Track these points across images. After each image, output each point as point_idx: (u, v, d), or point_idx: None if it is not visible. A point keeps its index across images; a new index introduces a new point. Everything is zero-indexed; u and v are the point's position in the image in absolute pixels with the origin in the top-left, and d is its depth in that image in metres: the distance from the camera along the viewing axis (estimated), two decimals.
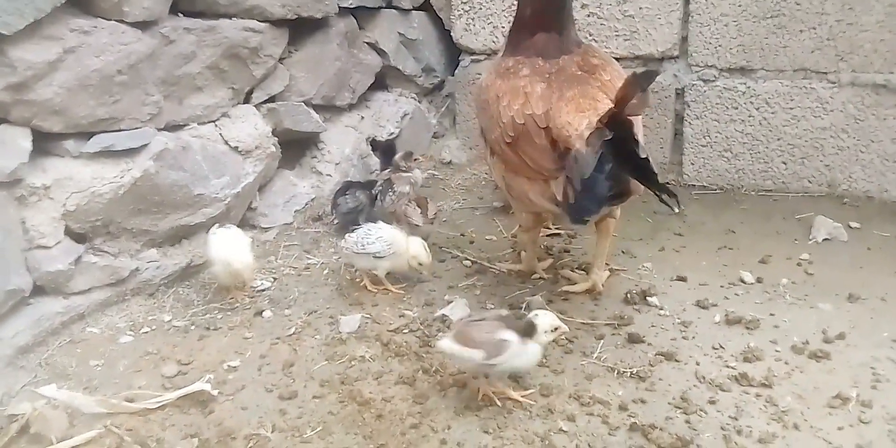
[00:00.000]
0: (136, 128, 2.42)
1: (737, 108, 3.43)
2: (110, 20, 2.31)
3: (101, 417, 1.84)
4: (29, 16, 2.06)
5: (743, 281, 2.60)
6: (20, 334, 2.10)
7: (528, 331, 1.86)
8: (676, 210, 2.03)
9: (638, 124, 2.13)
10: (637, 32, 3.50)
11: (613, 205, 2.18)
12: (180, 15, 2.58)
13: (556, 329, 1.89)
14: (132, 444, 1.75)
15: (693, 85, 3.46)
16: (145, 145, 2.43)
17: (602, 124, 1.88)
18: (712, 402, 1.93)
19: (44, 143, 2.23)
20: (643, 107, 1.87)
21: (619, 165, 1.88)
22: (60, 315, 2.23)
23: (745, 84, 3.39)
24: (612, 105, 1.88)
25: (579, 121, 2.04)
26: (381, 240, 2.49)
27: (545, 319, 1.88)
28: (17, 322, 2.12)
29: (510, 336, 1.84)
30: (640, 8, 3.46)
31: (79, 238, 2.31)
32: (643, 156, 1.87)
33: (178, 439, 1.78)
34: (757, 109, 3.39)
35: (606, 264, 2.66)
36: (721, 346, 2.19)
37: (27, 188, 2.16)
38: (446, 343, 1.87)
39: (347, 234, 2.56)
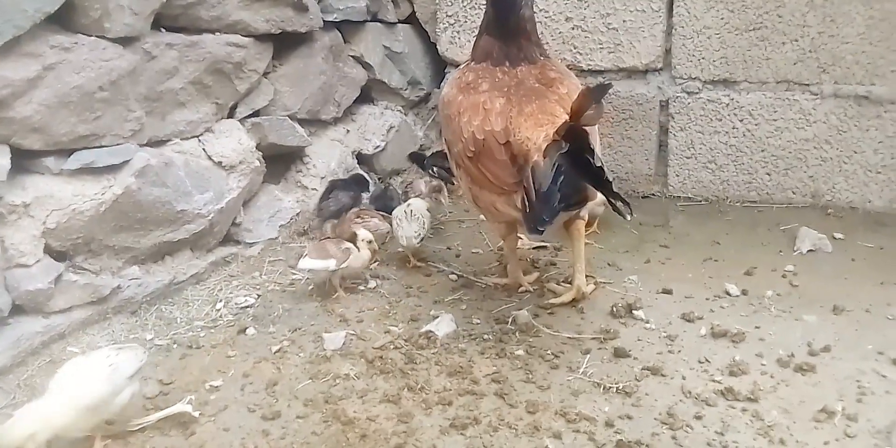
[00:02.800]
0: (118, 144, 2.40)
1: (720, 120, 3.44)
2: (91, 36, 2.29)
3: (81, 440, 1.80)
4: (7, 33, 2.05)
5: (728, 293, 2.60)
6: None
7: None
8: (628, 217, 2.06)
9: (594, 134, 2.21)
10: (621, 45, 3.52)
11: (571, 211, 2.22)
12: (162, 30, 2.57)
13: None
14: None
15: (677, 97, 3.48)
16: (127, 162, 2.41)
17: (558, 136, 1.92)
18: (698, 418, 1.92)
19: (23, 161, 2.20)
20: (598, 118, 1.92)
21: (576, 174, 1.93)
22: (40, 335, 2.19)
23: (728, 96, 3.41)
24: (567, 117, 1.92)
25: (538, 135, 2.10)
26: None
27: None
28: None
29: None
30: (624, 21, 3.48)
31: (59, 256, 2.28)
32: (598, 165, 1.91)
33: None
34: (741, 121, 3.41)
35: (592, 277, 2.67)
36: (707, 360, 2.19)
37: (6, 206, 2.13)
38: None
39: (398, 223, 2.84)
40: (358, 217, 2.95)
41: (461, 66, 2.59)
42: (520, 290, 2.66)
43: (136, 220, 2.45)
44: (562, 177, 1.91)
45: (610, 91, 2.59)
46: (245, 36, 2.87)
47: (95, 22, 2.29)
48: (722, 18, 3.33)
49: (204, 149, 2.77)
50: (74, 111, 2.26)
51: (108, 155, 2.36)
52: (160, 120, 2.60)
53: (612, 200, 1.99)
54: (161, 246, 2.58)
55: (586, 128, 1.91)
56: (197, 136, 2.77)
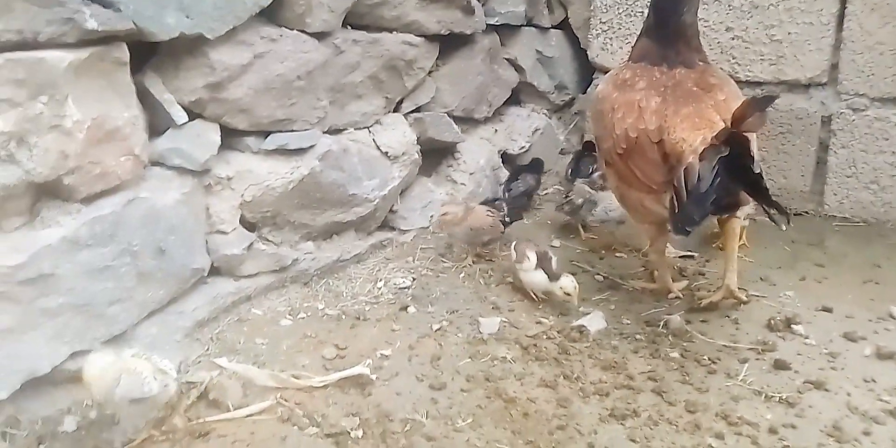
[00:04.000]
0: (306, 129, 2.63)
1: (888, 140, 3.29)
2: (293, 30, 2.52)
3: (271, 390, 2.00)
4: (229, 22, 2.29)
5: (892, 316, 2.50)
6: (198, 309, 2.31)
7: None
8: (784, 227, 2.07)
9: (753, 141, 2.20)
10: (784, 57, 3.44)
11: (721, 214, 2.24)
12: (349, 27, 2.79)
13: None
14: (301, 417, 1.90)
15: (841, 113, 3.36)
16: (313, 146, 2.63)
17: (717, 141, 1.94)
18: (867, 434, 1.88)
19: (229, 139, 2.45)
20: (759, 126, 1.94)
21: (732, 180, 1.94)
22: (231, 295, 2.43)
23: None
24: (728, 123, 1.95)
25: (694, 137, 2.12)
26: None
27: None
28: (196, 298, 2.33)
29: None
30: (789, 33, 3.40)
31: (250, 227, 2.52)
32: (757, 171, 1.92)
33: (342, 416, 1.91)
34: None
35: (744, 290, 2.63)
36: (873, 380, 2.13)
37: (214, 178, 2.39)
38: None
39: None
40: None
41: (619, 65, 2.63)
42: (669, 296, 2.66)
43: (314, 200, 2.66)
44: (718, 180, 1.93)
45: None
46: (418, 35, 3.05)
47: (298, 17, 2.52)
48: None
49: (374, 139, 2.96)
50: (275, 97, 2.50)
51: (298, 138, 2.59)
52: (340, 110, 2.81)
53: (768, 209, 1.98)
54: (331, 225, 2.79)
55: (747, 135, 1.93)
56: (368, 127, 2.97)
